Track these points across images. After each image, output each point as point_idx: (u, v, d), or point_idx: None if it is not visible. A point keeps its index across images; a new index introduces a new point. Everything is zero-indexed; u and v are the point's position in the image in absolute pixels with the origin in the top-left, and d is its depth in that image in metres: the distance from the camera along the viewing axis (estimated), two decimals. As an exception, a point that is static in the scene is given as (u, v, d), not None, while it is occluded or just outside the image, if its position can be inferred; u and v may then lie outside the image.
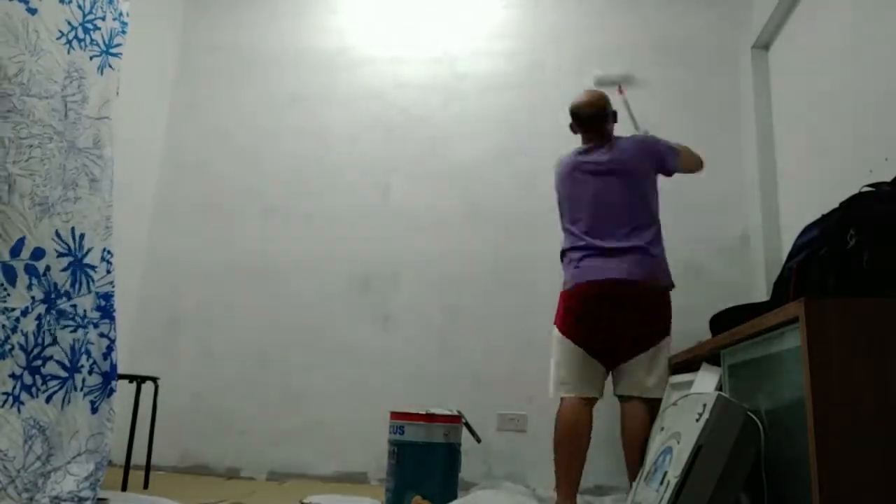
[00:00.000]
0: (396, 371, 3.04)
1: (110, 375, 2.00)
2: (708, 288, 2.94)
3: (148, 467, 2.58)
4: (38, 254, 1.78)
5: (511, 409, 2.97)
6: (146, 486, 2.51)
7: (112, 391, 2.00)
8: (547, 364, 2.99)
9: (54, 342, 1.82)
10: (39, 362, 1.78)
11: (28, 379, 1.74)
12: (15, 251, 1.70)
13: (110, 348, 2.01)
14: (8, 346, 1.69)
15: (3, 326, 1.68)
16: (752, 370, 1.50)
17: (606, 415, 2.91)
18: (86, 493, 1.83)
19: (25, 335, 1.74)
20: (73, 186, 1.91)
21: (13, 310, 1.70)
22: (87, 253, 1.93)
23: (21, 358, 1.73)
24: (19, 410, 1.71)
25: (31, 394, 1.74)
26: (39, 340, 1.78)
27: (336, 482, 2.91)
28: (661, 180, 2.46)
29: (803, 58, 2.62)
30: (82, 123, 1.96)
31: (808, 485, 1.11)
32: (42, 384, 1.78)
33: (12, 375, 1.70)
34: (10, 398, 1.69)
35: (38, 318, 1.77)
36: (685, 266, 3.01)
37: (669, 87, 3.24)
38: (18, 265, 1.72)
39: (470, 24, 3.47)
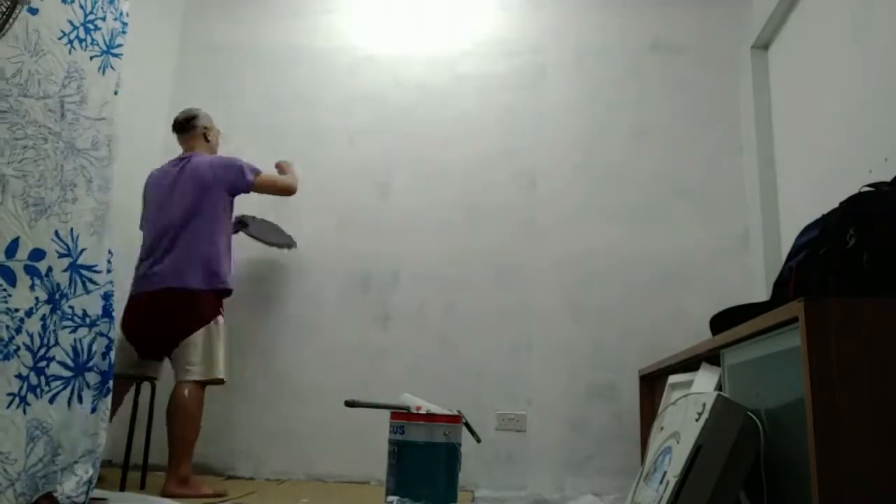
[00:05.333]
0: (396, 371, 3.04)
1: (107, 375, 2.00)
2: (708, 288, 2.95)
3: (145, 467, 2.58)
4: (38, 255, 1.77)
5: (511, 409, 2.98)
6: (143, 486, 2.51)
7: (108, 391, 2.01)
8: (547, 364, 3.01)
9: (57, 343, 1.82)
10: (44, 363, 1.78)
11: (34, 380, 1.74)
12: (10, 252, 1.70)
13: (108, 348, 2.01)
14: (13, 347, 1.68)
15: (7, 327, 1.67)
16: (752, 370, 1.50)
17: (606, 417, 2.92)
18: (80, 498, 1.83)
19: (31, 336, 1.73)
20: (72, 187, 1.91)
21: (17, 310, 1.70)
22: (81, 253, 1.93)
23: (28, 358, 1.72)
24: (25, 412, 1.71)
25: (36, 395, 1.74)
26: (45, 341, 1.78)
27: (336, 482, 2.91)
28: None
29: (803, 58, 2.63)
30: (81, 124, 1.95)
31: (808, 485, 1.11)
32: (46, 385, 1.78)
33: (18, 376, 1.69)
34: (17, 399, 1.69)
35: (43, 318, 1.77)
36: (685, 266, 3.03)
37: (669, 87, 3.24)
38: (17, 266, 1.71)
39: (470, 24, 3.47)
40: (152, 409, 2.62)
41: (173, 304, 2.52)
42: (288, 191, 2.91)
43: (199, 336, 2.53)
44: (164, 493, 2.33)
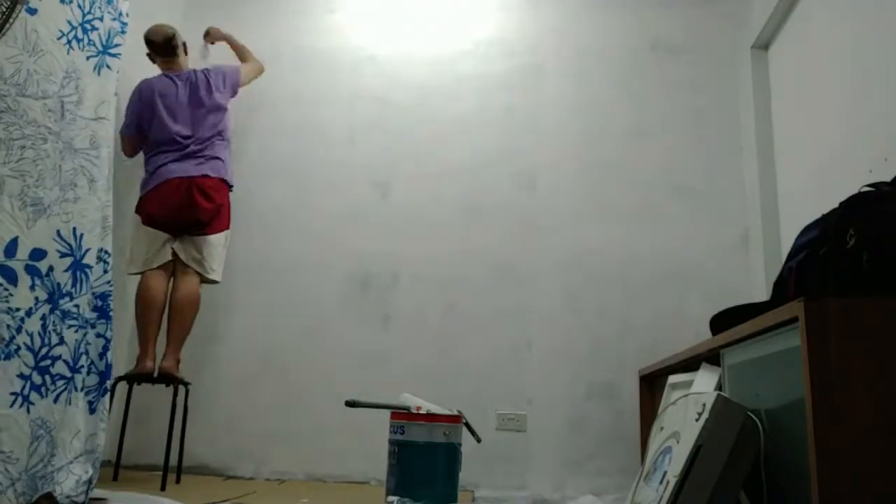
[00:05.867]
0: (396, 371, 3.04)
1: (106, 375, 2.01)
2: (708, 288, 2.94)
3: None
4: (39, 255, 1.77)
5: (511, 409, 2.97)
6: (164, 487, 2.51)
7: (106, 391, 2.01)
8: (547, 364, 3.01)
9: (61, 342, 1.83)
10: (48, 362, 1.78)
11: (37, 379, 1.74)
12: (9, 252, 1.70)
13: (106, 348, 2.01)
14: (14, 347, 1.69)
15: (8, 327, 1.68)
16: (752, 370, 1.50)
17: (606, 417, 2.92)
18: (80, 498, 1.83)
19: (31, 335, 1.74)
20: (72, 187, 1.91)
21: (17, 310, 1.70)
22: (85, 252, 1.93)
23: (29, 358, 1.73)
24: (28, 411, 1.71)
25: (40, 394, 1.75)
26: (46, 340, 1.78)
27: (336, 482, 2.91)
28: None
29: (803, 58, 2.62)
30: (78, 124, 1.96)
31: (808, 485, 1.11)
32: (51, 384, 1.79)
33: (20, 376, 1.70)
34: (20, 398, 1.69)
35: (43, 318, 1.77)
36: (685, 265, 3.02)
37: (669, 87, 3.24)
38: (17, 266, 1.72)
39: (470, 24, 3.47)
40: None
41: (208, 190, 2.78)
42: (260, 72, 3.30)
43: (219, 238, 2.86)
44: (162, 370, 2.61)
